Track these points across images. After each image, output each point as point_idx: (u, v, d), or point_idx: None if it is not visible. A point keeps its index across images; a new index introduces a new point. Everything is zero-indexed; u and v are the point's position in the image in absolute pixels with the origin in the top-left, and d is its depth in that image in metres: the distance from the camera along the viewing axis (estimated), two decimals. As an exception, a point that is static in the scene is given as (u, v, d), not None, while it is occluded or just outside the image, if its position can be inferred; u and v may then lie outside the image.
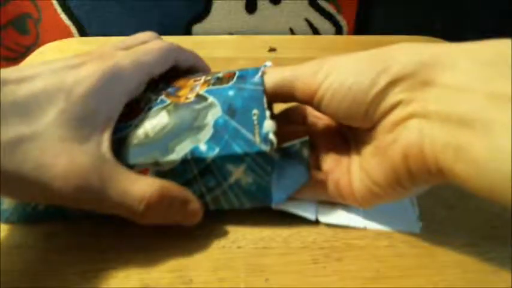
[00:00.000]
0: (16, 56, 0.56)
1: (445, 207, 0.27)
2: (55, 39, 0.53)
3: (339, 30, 0.55)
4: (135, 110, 0.27)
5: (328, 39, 0.54)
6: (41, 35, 0.55)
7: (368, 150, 0.25)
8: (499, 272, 0.24)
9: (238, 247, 0.25)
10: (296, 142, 0.24)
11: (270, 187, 0.25)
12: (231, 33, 0.55)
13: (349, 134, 0.28)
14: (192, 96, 0.26)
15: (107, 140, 0.24)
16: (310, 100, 0.25)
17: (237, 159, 0.24)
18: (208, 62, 0.48)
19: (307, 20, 0.54)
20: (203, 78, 0.29)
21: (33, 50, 0.52)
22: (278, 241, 0.26)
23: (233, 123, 0.24)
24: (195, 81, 0.28)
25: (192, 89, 0.27)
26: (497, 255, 0.25)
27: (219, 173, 0.24)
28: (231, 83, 0.27)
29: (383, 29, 0.54)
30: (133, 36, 0.30)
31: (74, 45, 0.52)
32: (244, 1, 0.53)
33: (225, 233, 0.26)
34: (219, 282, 0.23)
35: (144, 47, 0.28)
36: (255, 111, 0.25)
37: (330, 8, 0.53)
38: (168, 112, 0.25)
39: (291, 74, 0.26)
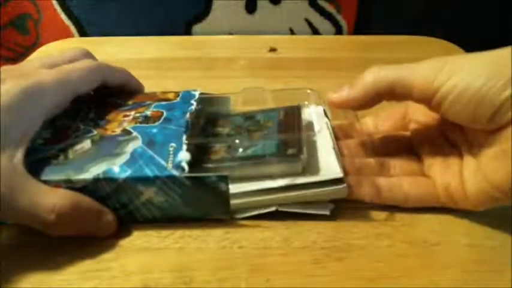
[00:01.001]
0: (16, 56, 0.56)
1: (445, 207, 0.27)
2: (55, 39, 0.53)
3: (339, 30, 0.55)
4: (62, 136, 0.28)
5: (328, 39, 0.54)
6: (41, 35, 0.55)
7: (488, 153, 0.25)
8: (499, 272, 0.24)
9: (239, 247, 0.25)
10: (212, 175, 0.25)
11: (182, 206, 0.26)
12: (231, 33, 0.55)
13: (459, 137, 0.27)
14: (118, 130, 0.28)
15: (20, 153, 0.24)
16: (428, 100, 0.25)
17: (147, 181, 0.25)
18: (208, 62, 0.48)
19: (307, 20, 0.54)
20: (133, 113, 0.30)
21: (33, 50, 0.52)
22: (279, 241, 0.26)
23: (150, 152, 0.26)
24: (124, 116, 0.30)
25: (120, 123, 0.29)
26: (497, 255, 0.25)
27: (131, 192, 0.26)
28: (156, 123, 0.29)
29: (383, 29, 0.54)
30: (61, 53, 0.31)
31: (74, 45, 0.52)
32: (244, 1, 0.53)
33: (226, 233, 0.26)
34: (220, 282, 0.23)
35: (69, 66, 0.29)
36: (173, 144, 0.27)
37: (330, 8, 0.53)
38: (93, 141, 0.28)
39: (410, 72, 0.26)
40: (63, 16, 0.53)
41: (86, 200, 0.25)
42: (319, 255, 0.25)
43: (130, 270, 0.24)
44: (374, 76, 0.27)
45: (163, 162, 0.26)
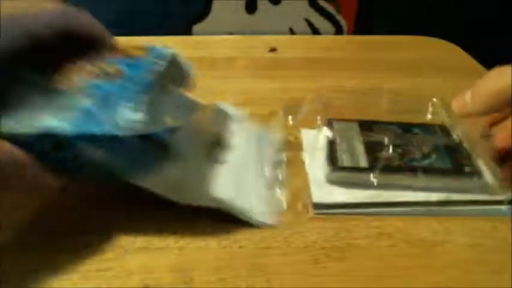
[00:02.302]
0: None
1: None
2: (55, 39, 0.53)
3: (339, 30, 0.55)
4: (11, 87, 0.26)
5: (328, 39, 0.54)
6: (41, 35, 0.55)
7: None
8: (499, 272, 0.24)
9: (240, 247, 0.25)
10: (159, 130, 0.25)
11: (127, 165, 0.25)
12: (231, 33, 0.55)
13: None
14: (72, 85, 0.27)
15: None
16: None
17: (92, 139, 0.24)
18: (208, 62, 0.48)
19: (307, 20, 0.54)
20: (93, 69, 0.28)
21: (33, 50, 0.52)
22: (279, 241, 0.26)
23: (100, 110, 0.25)
24: (84, 71, 0.28)
25: (77, 78, 0.27)
26: (497, 255, 0.25)
27: (74, 149, 0.24)
28: (116, 81, 0.27)
29: (383, 29, 0.54)
30: None
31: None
32: (244, 1, 0.53)
33: (226, 233, 0.26)
34: (220, 282, 0.23)
35: (27, 3, 0.26)
36: (126, 104, 0.25)
37: (330, 8, 0.53)
38: (42, 94, 0.26)
39: None
40: (63, 16, 0.53)
41: (11, 149, 0.23)
42: (320, 255, 0.25)
43: (131, 270, 0.24)
44: (501, 84, 0.25)
45: (111, 121, 0.24)
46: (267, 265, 0.24)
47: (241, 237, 0.26)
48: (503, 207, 0.27)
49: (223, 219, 0.27)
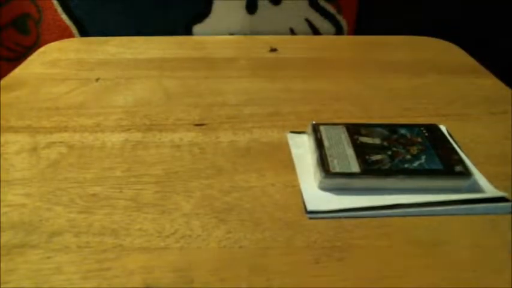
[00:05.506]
0: (16, 56, 0.56)
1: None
2: (55, 40, 0.53)
3: (339, 30, 0.55)
4: None
5: (328, 39, 0.54)
6: (42, 35, 0.55)
7: None
8: (499, 272, 0.24)
9: (240, 247, 0.25)
10: None
11: None
12: (231, 34, 0.55)
13: None
14: None
15: None
16: None
17: None
18: (208, 62, 0.48)
19: (307, 20, 0.54)
20: None
21: (33, 50, 0.52)
22: (280, 241, 0.26)
23: None
24: None
25: None
26: (497, 255, 0.25)
27: None
28: None
29: (383, 29, 0.54)
30: None
31: (75, 45, 0.52)
32: (244, 1, 0.53)
33: (226, 233, 0.26)
34: (221, 282, 0.23)
35: None
36: None
37: (330, 8, 0.53)
38: None
39: None
40: (63, 16, 0.53)
41: None
42: (320, 255, 0.25)
43: (131, 270, 0.24)
44: None
45: None
46: (267, 265, 0.24)
47: (241, 237, 0.26)
48: (493, 205, 0.28)
49: (224, 219, 0.27)
